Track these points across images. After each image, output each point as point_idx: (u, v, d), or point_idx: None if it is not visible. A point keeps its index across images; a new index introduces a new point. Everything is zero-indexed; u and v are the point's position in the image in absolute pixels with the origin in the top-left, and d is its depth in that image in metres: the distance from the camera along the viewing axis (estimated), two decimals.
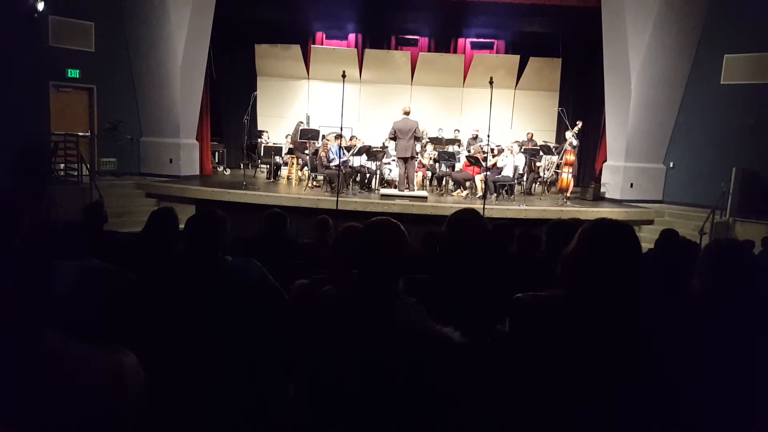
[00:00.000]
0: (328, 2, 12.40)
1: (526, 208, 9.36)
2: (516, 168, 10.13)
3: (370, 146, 10.51)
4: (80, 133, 10.10)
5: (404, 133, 9.22)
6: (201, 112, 11.42)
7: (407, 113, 9.35)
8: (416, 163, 9.97)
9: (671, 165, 11.03)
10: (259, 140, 12.04)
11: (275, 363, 2.05)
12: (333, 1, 12.37)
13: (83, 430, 1.08)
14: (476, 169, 10.10)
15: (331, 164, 9.67)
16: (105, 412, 1.12)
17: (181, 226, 2.34)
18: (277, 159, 11.45)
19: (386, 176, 10.80)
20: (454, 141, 11.68)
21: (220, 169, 12.74)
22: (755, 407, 1.56)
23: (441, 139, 11.93)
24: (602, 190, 11.18)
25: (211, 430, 1.82)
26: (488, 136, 8.91)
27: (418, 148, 9.93)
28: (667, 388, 1.34)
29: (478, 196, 9.84)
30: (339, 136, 9.85)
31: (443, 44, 14.06)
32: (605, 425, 1.32)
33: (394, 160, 10.82)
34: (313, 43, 13.89)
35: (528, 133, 11.98)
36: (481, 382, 1.44)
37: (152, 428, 1.29)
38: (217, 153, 12.88)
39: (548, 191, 11.39)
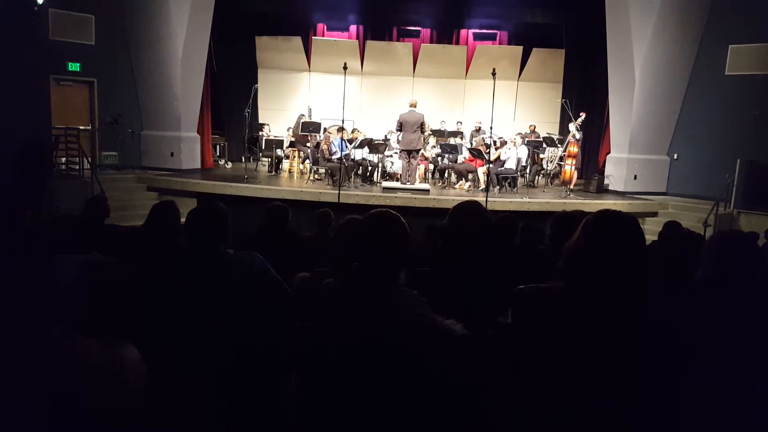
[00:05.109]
0: None
1: (529, 200, 9.34)
2: (519, 160, 10.09)
3: (372, 139, 10.48)
4: (81, 127, 10.10)
5: (410, 125, 9.22)
6: (202, 105, 11.38)
7: (414, 106, 9.37)
8: (419, 156, 9.96)
9: (675, 156, 10.97)
10: (260, 133, 12.01)
11: (277, 356, 2.05)
12: None
13: (85, 424, 1.08)
14: (479, 161, 10.06)
15: (333, 157, 9.65)
16: (107, 406, 1.12)
17: (183, 219, 2.34)
18: (279, 152, 11.43)
19: (388, 169, 10.77)
20: (457, 133, 11.64)
21: (222, 162, 12.72)
22: (758, 398, 1.55)
23: (443, 131, 11.89)
24: (606, 182, 11.13)
25: (213, 423, 1.83)
26: (491, 128, 8.87)
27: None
28: (670, 379, 1.33)
29: (480, 188, 9.82)
30: (341, 129, 9.82)
31: (445, 35, 13.96)
32: (608, 417, 1.32)
33: (396, 153, 10.80)
34: (314, 35, 13.80)
35: (531, 125, 11.91)
36: (483, 374, 1.44)
37: (154, 421, 1.29)
38: (218, 146, 12.86)
39: (551, 183, 11.35)
